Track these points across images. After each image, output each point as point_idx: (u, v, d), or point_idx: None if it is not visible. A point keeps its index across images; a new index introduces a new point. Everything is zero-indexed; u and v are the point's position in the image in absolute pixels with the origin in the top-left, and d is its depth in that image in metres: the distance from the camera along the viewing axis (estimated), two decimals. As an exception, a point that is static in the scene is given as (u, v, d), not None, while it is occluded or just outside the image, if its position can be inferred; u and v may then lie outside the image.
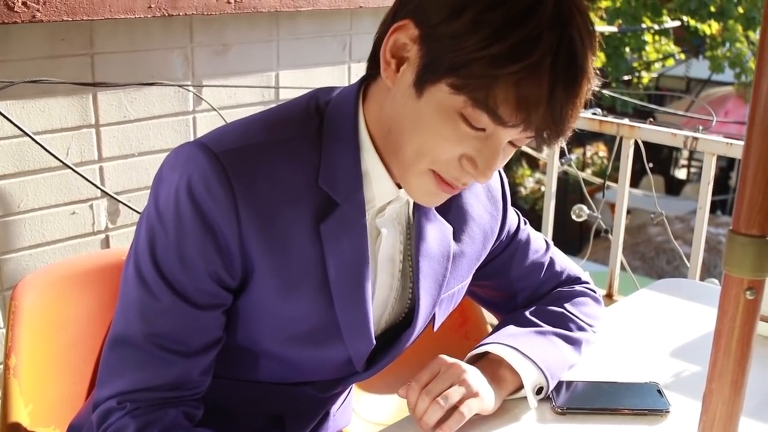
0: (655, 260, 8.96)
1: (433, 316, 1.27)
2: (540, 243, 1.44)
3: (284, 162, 1.07)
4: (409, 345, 1.28)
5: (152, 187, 1.10)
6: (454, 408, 1.17)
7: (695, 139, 2.58)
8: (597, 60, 1.03)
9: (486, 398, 1.21)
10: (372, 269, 1.16)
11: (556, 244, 1.49)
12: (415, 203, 1.20)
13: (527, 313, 1.37)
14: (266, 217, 1.05)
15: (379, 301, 1.22)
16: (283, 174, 1.07)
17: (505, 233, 1.37)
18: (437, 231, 1.22)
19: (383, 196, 1.15)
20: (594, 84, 1.02)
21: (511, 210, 1.37)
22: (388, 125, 1.08)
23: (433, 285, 1.23)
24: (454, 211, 1.25)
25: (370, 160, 1.12)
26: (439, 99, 1.00)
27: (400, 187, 1.15)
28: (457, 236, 1.25)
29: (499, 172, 1.35)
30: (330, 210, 1.09)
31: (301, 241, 1.08)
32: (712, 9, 9.98)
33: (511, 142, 1.05)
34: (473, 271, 1.33)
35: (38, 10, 1.85)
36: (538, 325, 1.34)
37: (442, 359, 1.23)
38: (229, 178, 1.03)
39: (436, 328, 1.30)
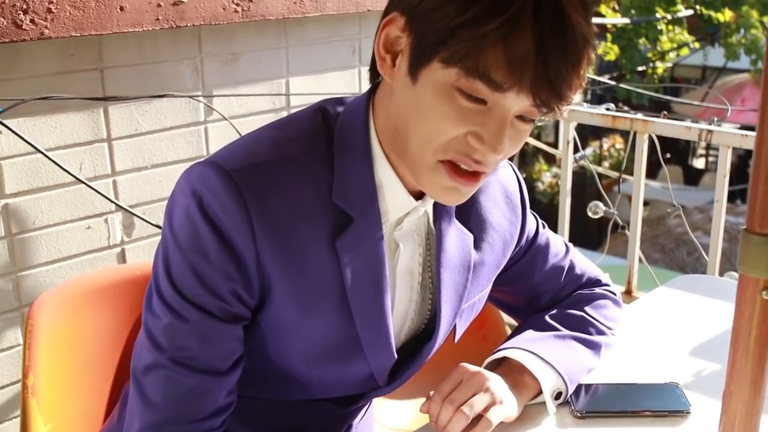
0: (675, 252, 8.91)
1: (454, 326, 1.26)
2: (559, 246, 1.42)
3: (296, 179, 1.06)
4: (431, 356, 1.27)
5: (165, 212, 1.09)
6: (479, 417, 1.17)
7: (710, 132, 2.55)
8: (600, 48, 1.01)
9: (510, 406, 1.21)
10: (390, 283, 1.15)
11: (574, 239, 1.48)
12: (435, 213, 1.19)
13: (546, 317, 1.36)
14: (281, 234, 1.04)
15: (399, 315, 1.20)
16: (296, 191, 1.06)
17: (524, 239, 1.35)
18: (458, 240, 1.20)
19: (399, 208, 1.13)
20: (593, 43, 0.99)
21: (530, 215, 1.36)
22: (394, 124, 1.06)
23: (454, 296, 1.21)
24: (474, 219, 1.24)
25: (383, 172, 1.11)
26: (434, 79, 0.98)
27: (416, 198, 1.14)
28: (477, 245, 1.24)
29: (517, 177, 1.33)
30: (345, 225, 1.08)
31: (318, 258, 1.07)
32: (726, -1, 9.94)
33: (520, 117, 1.02)
34: (493, 279, 1.31)
35: (46, 27, 1.85)
36: (557, 329, 1.33)
37: (464, 368, 1.22)
38: (243, 195, 1.02)
39: (457, 339, 1.28)
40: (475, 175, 1.05)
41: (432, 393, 1.21)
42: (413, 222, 1.17)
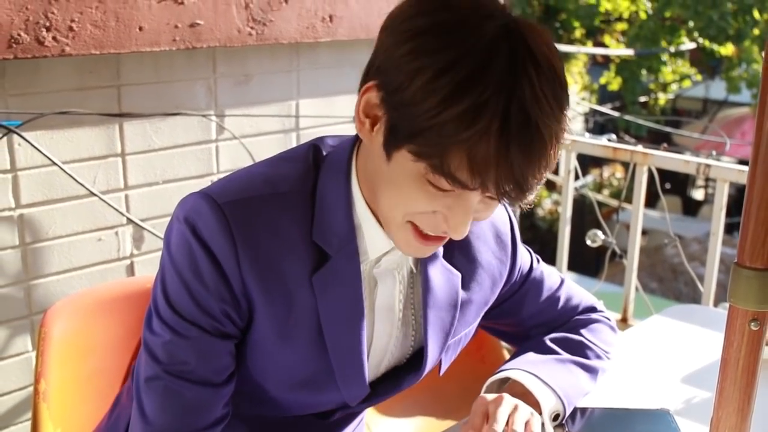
0: (671, 282, 8.93)
1: (440, 361, 1.30)
2: (554, 279, 1.45)
3: (283, 215, 1.11)
4: (411, 386, 1.31)
5: (164, 238, 1.15)
6: None
7: (708, 166, 2.60)
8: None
9: (537, 416, 1.24)
10: (369, 318, 1.20)
11: (573, 266, 1.51)
12: None
13: (547, 340, 1.40)
14: (264, 266, 1.10)
15: (378, 349, 1.24)
16: (281, 226, 1.11)
17: (516, 275, 1.38)
18: (444, 280, 1.24)
19: (377, 248, 1.17)
20: (561, 139, 0.99)
21: (521, 252, 1.38)
22: (371, 180, 1.11)
23: (440, 334, 1.25)
24: (461, 258, 1.27)
25: (362, 214, 1.15)
26: (405, 164, 1.00)
27: None
28: (464, 283, 1.27)
29: (509, 215, 1.36)
30: (322, 262, 1.13)
31: (297, 291, 1.12)
32: (731, 33, 10.00)
33: (489, 196, 1.04)
34: (481, 315, 1.35)
35: (67, 44, 1.91)
36: (557, 353, 1.38)
37: (484, 398, 1.24)
38: (230, 227, 1.08)
39: (442, 373, 1.32)
40: (440, 238, 1.10)
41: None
42: (394, 261, 1.20)
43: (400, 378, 1.29)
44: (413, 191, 1.02)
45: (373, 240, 1.16)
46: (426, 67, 0.94)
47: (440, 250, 1.24)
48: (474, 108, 0.92)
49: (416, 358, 1.28)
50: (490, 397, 1.24)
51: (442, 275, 1.24)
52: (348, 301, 1.15)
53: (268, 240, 1.10)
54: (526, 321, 1.45)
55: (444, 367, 1.31)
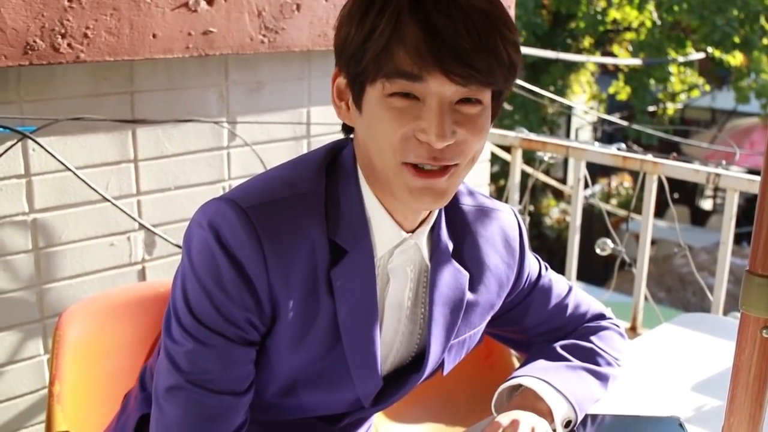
0: (680, 291, 8.91)
1: (443, 361, 1.31)
2: (562, 287, 1.46)
3: (304, 215, 1.14)
4: (417, 385, 1.32)
5: (183, 245, 1.16)
6: None
7: (717, 175, 2.61)
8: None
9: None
10: (379, 313, 1.22)
11: (581, 276, 1.52)
12: (432, 251, 1.25)
13: (557, 347, 1.41)
14: (288, 266, 1.12)
15: (384, 344, 1.26)
16: (303, 226, 1.13)
17: (524, 282, 1.40)
18: (453, 278, 1.26)
19: (388, 240, 1.19)
20: (495, 13, 1.05)
21: (529, 259, 1.40)
22: (365, 155, 1.15)
23: (443, 332, 1.27)
24: (470, 260, 1.29)
25: (372, 207, 1.18)
26: (371, 99, 1.08)
27: (408, 232, 1.20)
28: (472, 285, 1.29)
29: (518, 222, 1.38)
30: (340, 257, 1.15)
31: (317, 288, 1.14)
32: (737, 40, 9.99)
33: (458, 103, 1.07)
34: (487, 319, 1.36)
35: (82, 51, 1.93)
36: (568, 360, 1.38)
37: (498, 422, 1.24)
38: (257, 231, 1.09)
39: (445, 373, 1.33)
40: (442, 171, 1.10)
41: None
42: (406, 256, 1.23)
43: (405, 377, 1.30)
44: (384, 116, 1.07)
45: (384, 232, 1.19)
46: (344, 13, 1.09)
47: (450, 249, 1.26)
48: (382, 3, 1.04)
49: (420, 357, 1.30)
50: (505, 421, 1.24)
51: (451, 274, 1.26)
52: (363, 294, 1.17)
53: (292, 241, 1.12)
54: (534, 328, 1.46)
55: (447, 368, 1.32)
